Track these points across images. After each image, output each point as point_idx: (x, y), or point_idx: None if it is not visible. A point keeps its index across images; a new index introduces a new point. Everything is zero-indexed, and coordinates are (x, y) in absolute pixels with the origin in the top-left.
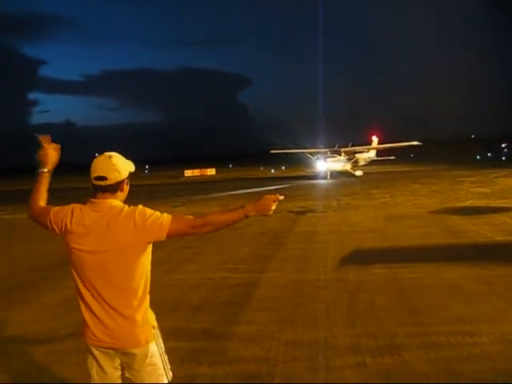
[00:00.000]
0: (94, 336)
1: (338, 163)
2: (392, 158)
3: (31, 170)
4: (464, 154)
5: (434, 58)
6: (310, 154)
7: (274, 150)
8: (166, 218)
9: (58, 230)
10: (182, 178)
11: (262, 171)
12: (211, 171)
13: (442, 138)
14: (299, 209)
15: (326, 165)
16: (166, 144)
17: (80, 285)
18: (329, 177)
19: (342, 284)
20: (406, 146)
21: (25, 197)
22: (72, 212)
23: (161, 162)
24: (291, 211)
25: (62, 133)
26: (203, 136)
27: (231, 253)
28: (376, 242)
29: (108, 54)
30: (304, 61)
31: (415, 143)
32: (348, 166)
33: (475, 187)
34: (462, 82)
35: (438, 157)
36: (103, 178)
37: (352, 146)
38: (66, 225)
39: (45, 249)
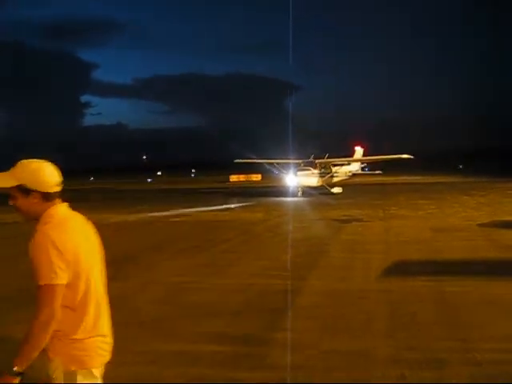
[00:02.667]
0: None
1: (312, 177)
2: (378, 172)
3: (84, 171)
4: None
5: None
6: (279, 165)
7: (239, 159)
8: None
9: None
10: (227, 183)
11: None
12: (257, 177)
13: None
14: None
15: (296, 179)
16: (213, 148)
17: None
18: (300, 194)
19: (384, 295)
20: (395, 158)
21: (76, 196)
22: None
23: (208, 165)
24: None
25: (114, 134)
26: (250, 141)
27: (274, 259)
28: (421, 254)
29: (159, 59)
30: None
31: (405, 156)
32: (324, 181)
33: None
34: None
35: (484, 169)
36: (60, 184)
37: (328, 157)
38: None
39: None
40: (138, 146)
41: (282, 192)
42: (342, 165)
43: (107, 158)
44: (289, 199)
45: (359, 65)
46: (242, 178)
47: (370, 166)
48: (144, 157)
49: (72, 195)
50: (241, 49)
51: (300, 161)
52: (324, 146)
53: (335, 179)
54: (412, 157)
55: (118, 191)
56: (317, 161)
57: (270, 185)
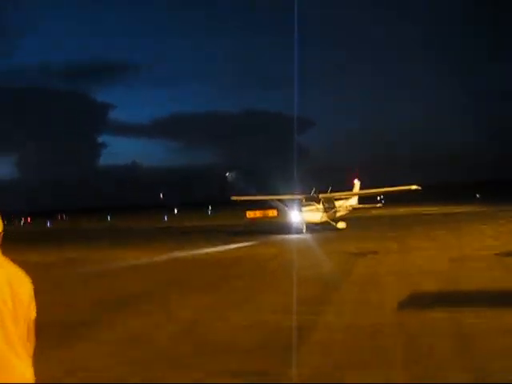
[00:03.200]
0: None
1: (316, 213)
2: (379, 205)
3: (100, 209)
4: None
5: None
6: (280, 201)
7: (236, 196)
8: None
9: None
10: (245, 219)
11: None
12: (273, 213)
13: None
14: None
15: (300, 215)
16: (231, 185)
17: None
18: (304, 230)
19: (400, 328)
20: (402, 190)
21: (92, 235)
22: None
23: (224, 202)
24: None
25: (129, 174)
26: (263, 177)
27: (287, 294)
28: (438, 285)
29: (175, 97)
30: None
31: (414, 187)
32: (328, 216)
33: None
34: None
35: (504, 197)
36: None
37: (332, 191)
38: None
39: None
40: (153, 184)
41: (285, 229)
42: (346, 199)
43: (123, 196)
44: (294, 237)
45: (371, 100)
46: (258, 213)
47: (371, 198)
48: (161, 194)
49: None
50: (255, 86)
51: (302, 196)
52: (336, 180)
53: (338, 214)
54: (420, 188)
55: (136, 230)
56: (321, 195)
57: (274, 222)
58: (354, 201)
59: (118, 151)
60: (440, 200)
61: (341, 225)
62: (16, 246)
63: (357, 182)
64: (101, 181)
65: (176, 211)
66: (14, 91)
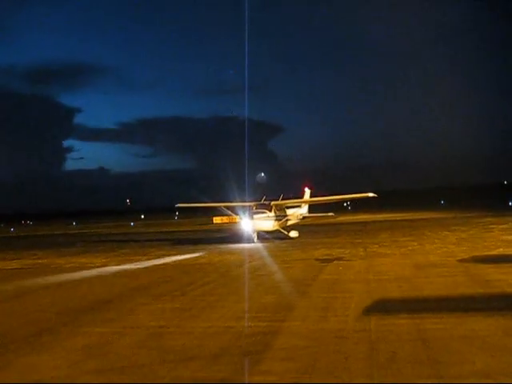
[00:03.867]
0: None
1: (268, 221)
2: (330, 214)
3: (66, 214)
4: (495, 201)
5: None
6: (227, 208)
7: (181, 203)
8: None
9: None
10: (210, 225)
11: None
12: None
13: (470, 184)
14: None
15: (251, 223)
16: (197, 190)
17: None
18: (255, 239)
19: (363, 334)
20: (358, 197)
21: (56, 241)
22: None
23: (193, 208)
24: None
25: (96, 179)
26: (230, 183)
27: (253, 300)
28: (402, 292)
29: (142, 103)
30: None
31: (371, 195)
32: (280, 225)
33: (506, 235)
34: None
35: (467, 203)
36: None
37: (283, 199)
38: None
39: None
40: (120, 189)
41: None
42: (298, 207)
43: (90, 202)
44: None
45: (338, 106)
46: (225, 219)
47: (321, 207)
48: (127, 200)
49: (54, 240)
50: (224, 91)
51: (252, 203)
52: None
53: (289, 222)
54: (376, 195)
55: (101, 235)
56: (272, 203)
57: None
58: (304, 209)
59: (84, 156)
60: (405, 206)
61: (293, 234)
62: None
63: (307, 190)
64: (67, 186)
65: (142, 216)
66: None
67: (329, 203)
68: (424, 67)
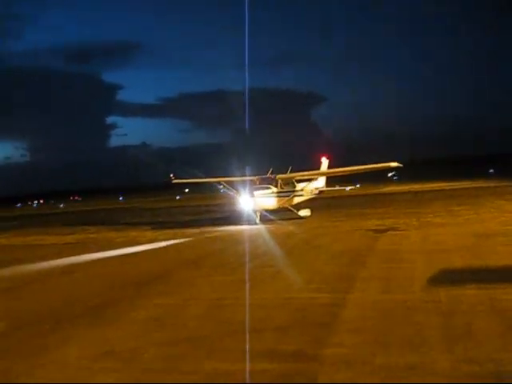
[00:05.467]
0: None
1: (272, 197)
2: (349, 188)
3: (111, 190)
4: None
5: None
6: (227, 183)
7: (177, 179)
8: None
9: None
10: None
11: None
12: None
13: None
14: None
15: (252, 200)
16: (241, 163)
17: None
18: (258, 219)
19: (433, 305)
20: (379, 168)
21: (105, 216)
22: None
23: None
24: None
25: (139, 154)
26: (274, 155)
27: (313, 271)
28: (465, 262)
29: (182, 77)
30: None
31: (394, 164)
32: (287, 202)
33: None
34: None
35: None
36: None
37: (292, 171)
38: None
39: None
40: (163, 164)
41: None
42: (310, 180)
43: (133, 177)
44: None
45: (385, 75)
46: None
47: (344, 178)
48: (171, 175)
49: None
50: (264, 62)
51: (254, 177)
52: (346, 158)
53: (300, 198)
54: (401, 165)
55: (149, 209)
56: (278, 176)
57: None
58: (320, 182)
59: (127, 132)
60: (451, 176)
61: (303, 212)
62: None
63: (324, 161)
64: (112, 161)
65: (186, 190)
66: (24, 73)
67: (365, 174)
68: None
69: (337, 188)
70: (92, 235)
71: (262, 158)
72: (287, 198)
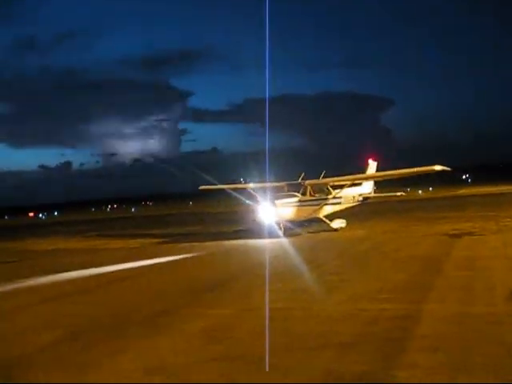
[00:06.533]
0: None
1: (297, 206)
2: (399, 193)
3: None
4: None
5: None
6: (254, 190)
7: (204, 186)
8: None
9: None
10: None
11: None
12: None
13: None
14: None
15: (273, 210)
16: (309, 168)
17: None
18: (282, 231)
19: None
20: (422, 171)
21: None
22: None
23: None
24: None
25: (209, 159)
26: (344, 159)
27: (383, 280)
28: None
29: (251, 82)
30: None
31: (438, 168)
32: (317, 211)
33: None
34: None
35: None
36: None
37: (325, 176)
38: None
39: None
40: (233, 169)
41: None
42: (353, 185)
43: (204, 182)
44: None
45: (458, 78)
46: None
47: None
48: (241, 179)
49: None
50: (331, 66)
51: (282, 183)
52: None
53: (337, 207)
54: (449, 169)
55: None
56: (307, 182)
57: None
58: (366, 188)
59: (197, 137)
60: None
61: (337, 223)
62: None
63: (371, 163)
64: (183, 167)
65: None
66: (96, 84)
67: (438, 177)
68: None
69: (386, 194)
70: (155, 240)
71: (327, 162)
72: (317, 207)
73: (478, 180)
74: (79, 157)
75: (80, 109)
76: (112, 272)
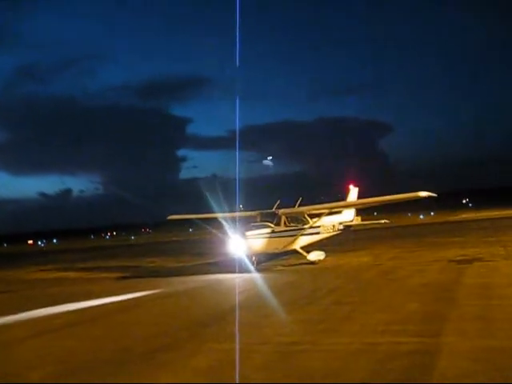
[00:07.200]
0: None
1: (270, 237)
2: (383, 221)
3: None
4: None
5: None
6: (225, 220)
7: (173, 215)
8: None
9: None
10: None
11: None
12: (357, 219)
13: None
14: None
15: (243, 243)
16: (305, 196)
17: None
18: (254, 265)
19: None
20: (407, 198)
21: (174, 247)
22: None
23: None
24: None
25: (208, 186)
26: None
27: (394, 310)
28: None
29: (250, 110)
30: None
31: (423, 194)
32: (291, 243)
33: None
34: None
35: None
36: None
37: (301, 204)
38: None
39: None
40: (233, 195)
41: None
42: (333, 213)
43: (204, 208)
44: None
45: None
46: None
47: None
48: (240, 206)
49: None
50: (329, 93)
51: (255, 212)
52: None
53: (314, 237)
54: (435, 195)
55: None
56: (281, 211)
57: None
58: (347, 215)
59: (197, 164)
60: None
61: (314, 255)
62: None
63: (352, 189)
64: (184, 194)
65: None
66: (97, 110)
67: (437, 202)
68: None
69: (368, 222)
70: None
71: (327, 188)
72: (291, 238)
73: (478, 204)
74: (78, 184)
75: (79, 135)
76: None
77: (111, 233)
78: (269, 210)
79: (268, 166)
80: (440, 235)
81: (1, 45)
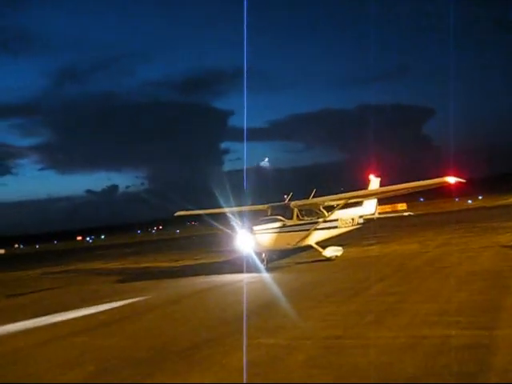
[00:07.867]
0: None
1: (282, 232)
2: (407, 213)
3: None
4: None
5: None
6: (234, 215)
7: (180, 211)
8: None
9: None
10: None
11: None
12: (402, 206)
13: None
14: None
15: (251, 238)
16: (348, 183)
17: None
18: (264, 263)
19: None
20: (432, 184)
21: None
22: None
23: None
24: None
25: (253, 177)
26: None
27: (444, 300)
28: None
29: (290, 99)
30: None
31: (451, 180)
32: (309, 237)
33: None
34: None
35: None
36: None
37: (315, 195)
38: None
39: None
40: (276, 185)
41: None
42: (353, 205)
43: (249, 200)
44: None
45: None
46: (387, 208)
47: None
48: (285, 196)
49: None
50: (369, 79)
51: (265, 206)
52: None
53: (331, 232)
54: (463, 180)
55: None
56: (293, 203)
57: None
58: (368, 208)
59: (240, 156)
60: None
61: (330, 251)
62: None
63: (373, 179)
64: (229, 186)
65: None
66: (139, 107)
67: (487, 186)
68: None
69: (392, 215)
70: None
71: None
72: (305, 233)
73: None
74: (124, 180)
75: (123, 132)
76: None
77: (157, 227)
78: (279, 203)
79: (266, 167)
80: (490, 220)
81: (43, 49)
